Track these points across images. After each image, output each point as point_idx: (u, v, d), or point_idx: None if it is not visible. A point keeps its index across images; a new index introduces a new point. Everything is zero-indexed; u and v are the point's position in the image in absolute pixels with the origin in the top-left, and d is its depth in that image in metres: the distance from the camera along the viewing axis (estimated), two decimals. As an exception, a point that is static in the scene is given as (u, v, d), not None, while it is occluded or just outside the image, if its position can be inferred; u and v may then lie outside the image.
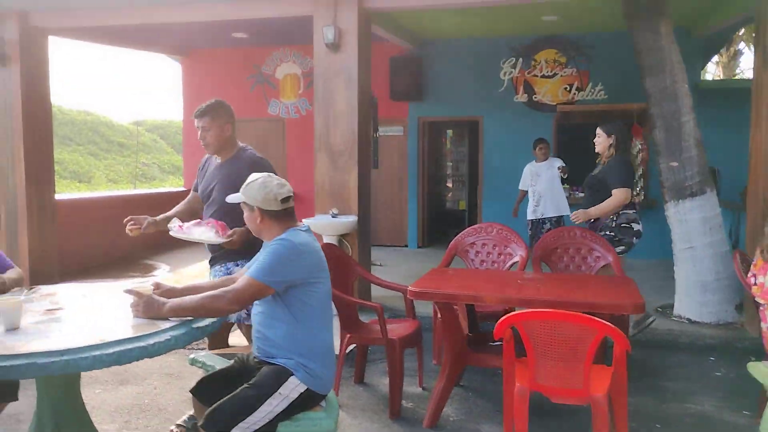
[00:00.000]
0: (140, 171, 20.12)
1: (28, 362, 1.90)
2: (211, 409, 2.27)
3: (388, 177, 9.35)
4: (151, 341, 2.10)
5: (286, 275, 2.33)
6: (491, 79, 8.86)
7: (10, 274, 2.85)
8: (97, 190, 17.09)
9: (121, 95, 41.63)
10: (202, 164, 3.51)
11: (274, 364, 2.39)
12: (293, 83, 9.87)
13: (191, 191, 3.58)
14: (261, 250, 2.57)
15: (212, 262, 3.38)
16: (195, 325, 2.29)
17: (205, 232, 3.05)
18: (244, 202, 2.45)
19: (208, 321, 2.35)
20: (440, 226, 10.24)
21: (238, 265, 3.21)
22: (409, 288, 3.20)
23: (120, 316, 2.37)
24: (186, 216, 3.39)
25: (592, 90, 8.58)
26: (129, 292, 2.35)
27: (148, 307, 2.28)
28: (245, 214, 2.49)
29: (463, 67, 8.95)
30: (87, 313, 2.44)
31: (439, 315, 4.13)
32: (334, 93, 5.52)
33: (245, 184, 2.47)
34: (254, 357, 2.53)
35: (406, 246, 9.50)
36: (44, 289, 2.85)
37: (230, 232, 3.06)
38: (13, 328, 2.16)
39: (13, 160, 6.46)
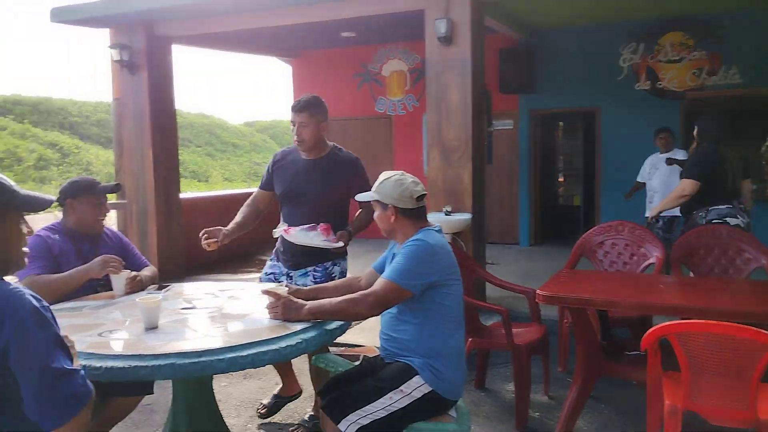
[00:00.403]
0: (252, 170, 20.97)
1: (167, 362, 1.92)
2: (332, 394, 2.29)
3: (498, 172, 9.06)
4: (283, 344, 2.07)
5: (425, 277, 2.24)
6: (609, 67, 8.33)
7: (146, 272, 2.96)
8: (215, 188, 18.00)
9: (234, 98, 43.79)
10: (274, 161, 3.29)
11: (400, 362, 2.32)
12: (400, 80, 9.82)
13: (258, 190, 3.35)
14: (388, 249, 2.50)
15: (295, 264, 3.18)
16: (326, 327, 2.25)
17: (316, 236, 2.98)
18: (377, 200, 2.38)
19: (337, 324, 2.30)
20: (553, 222, 9.80)
21: (336, 265, 3.21)
22: (538, 291, 3.00)
23: (250, 315, 2.37)
24: (251, 218, 3.28)
25: (725, 74, 7.83)
26: (266, 293, 2.35)
27: (286, 310, 2.26)
28: (377, 213, 2.42)
29: (577, 55, 8.49)
30: (218, 312, 2.47)
31: (567, 320, 3.90)
32: (447, 88, 5.38)
33: (379, 181, 2.40)
34: (381, 358, 2.46)
35: (517, 244, 9.17)
36: (175, 287, 2.93)
37: (339, 235, 3.01)
38: (152, 327, 2.21)
39: (143, 163, 6.86)
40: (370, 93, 10.00)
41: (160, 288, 2.87)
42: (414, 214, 2.36)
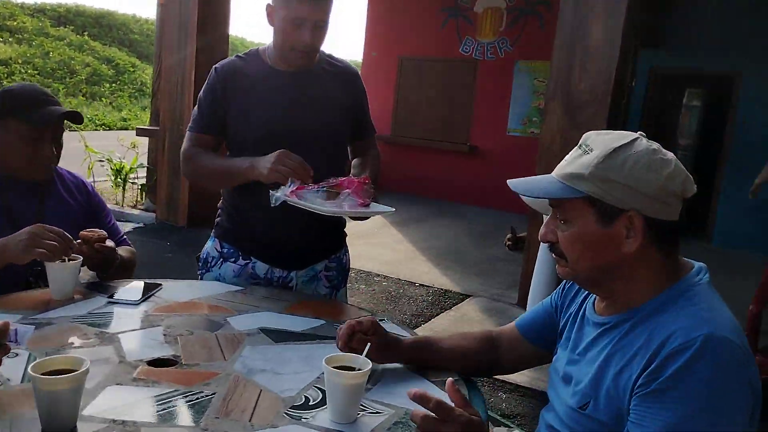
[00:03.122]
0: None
1: None
2: None
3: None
4: None
5: None
6: (761, 24, 6.60)
7: (120, 252, 1.77)
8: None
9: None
10: (221, 81, 1.79)
11: None
12: (494, 19, 8.26)
13: (193, 135, 1.82)
14: (557, 296, 1.24)
15: (293, 261, 1.84)
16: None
17: (347, 200, 1.60)
18: (592, 197, 1.04)
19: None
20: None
21: (347, 251, 2.01)
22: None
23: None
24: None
25: None
26: (417, 397, 0.97)
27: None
28: (578, 229, 1.06)
29: (722, 5, 6.75)
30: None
31: None
32: (587, 21, 3.92)
33: (601, 152, 1.03)
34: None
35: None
36: (169, 287, 1.74)
37: (366, 191, 1.63)
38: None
39: (182, 85, 5.67)
40: (456, 32, 8.49)
41: (148, 288, 1.67)
42: (672, 240, 1.06)
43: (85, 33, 20.05)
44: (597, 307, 1.14)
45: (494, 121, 8.25)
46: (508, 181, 1.14)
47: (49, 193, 1.77)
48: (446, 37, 8.54)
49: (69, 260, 1.53)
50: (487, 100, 8.33)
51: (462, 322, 4.00)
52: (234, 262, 1.84)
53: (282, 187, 1.59)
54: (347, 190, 1.58)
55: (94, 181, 7.05)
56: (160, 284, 1.71)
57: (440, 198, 8.52)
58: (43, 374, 0.95)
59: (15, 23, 18.03)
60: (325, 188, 1.59)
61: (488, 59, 8.34)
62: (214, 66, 1.83)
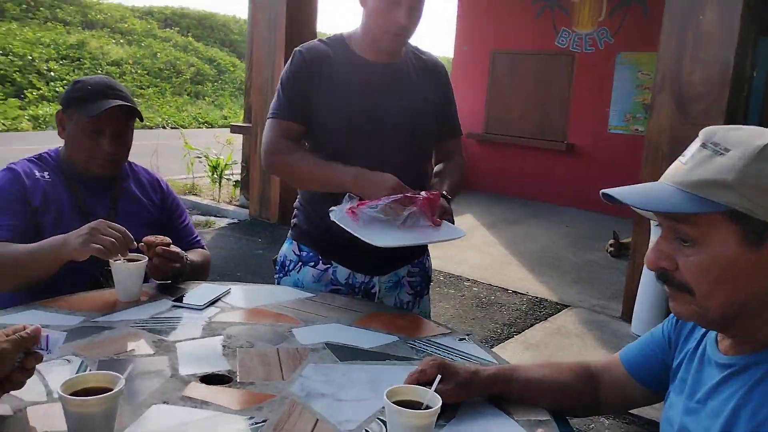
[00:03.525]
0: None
1: None
2: None
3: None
4: None
5: None
6: None
7: (192, 256, 1.71)
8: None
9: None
10: (307, 65, 1.65)
11: None
12: (593, 8, 7.77)
13: (276, 122, 1.68)
14: (668, 325, 1.03)
15: (375, 266, 1.69)
16: None
17: (418, 224, 1.46)
18: (737, 210, 0.81)
19: None
20: None
21: (428, 255, 1.84)
22: None
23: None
24: None
25: None
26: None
27: None
28: (714, 253, 0.84)
29: None
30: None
31: None
32: (699, 5, 3.53)
33: (750, 154, 0.81)
34: None
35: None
36: (236, 291, 1.66)
37: (441, 208, 1.51)
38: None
39: (273, 81, 5.73)
40: (552, 23, 8.08)
41: (215, 292, 1.60)
42: None
43: (189, 34, 21.04)
44: (721, 343, 0.92)
45: (594, 117, 7.78)
46: (609, 191, 0.92)
47: (122, 190, 1.74)
48: (541, 29, 8.14)
49: (135, 260, 1.47)
50: (585, 95, 7.87)
51: (559, 336, 3.72)
52: (314, 266, 1.72)
53: (344, 199, 1.48)
54: (414, 208, 1.43)
55: (193, 177, 7.32)
56: (229, 288, 1.63)
57: (535, 199, 8.16)
58: (74, 393, 0.86)
59: (126, 26, 19.20)
60: (388, 203, 1.43)
61: (587, 51, 7.87)
62: (297, 49, 1.70)
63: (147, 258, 1.50)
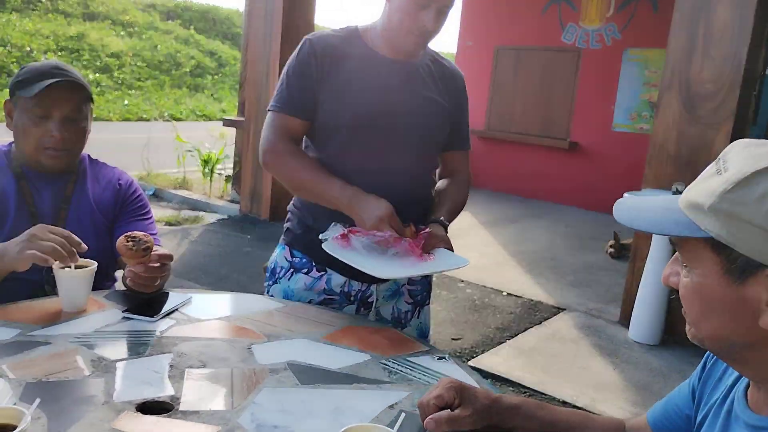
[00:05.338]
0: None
1: None
2: None
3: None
4: None
5: None
6: None
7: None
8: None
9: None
10: (317, 55, 1.52)
11: None
12: (600, 3, 7.60)
13: (277, 116, 1.55)
14: (699, 375, 0.89)
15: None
16: None
17: (404, 259, 1.39)
18: (717, 240, 0.68)
19: None
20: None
21: (414, 284, 1.69)
22: None
23: None
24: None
25: None
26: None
27: None
28: (699, 280, 0.72)
29: None
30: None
31: None
32: (710, 0, 3.37)
33: (736, 178, 0.66)
34: None
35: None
36: (198, 299, 1.52)
37: (429, 238, 1.46)
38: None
39: (267, 74, 5.57)
40: (558, 18, 7.91)
41: (173, 302, 1.45)
42: None
43: (192, 27, 20.87)
44: (751, 398, 0.76)
45: (598, 115, 7.62)
46: (616, 205, 0.80)
47: (77, 189, 1.59)
48: (547, 25, 7.97)
49: (83, 267, 1.33)
50: (590, 92, 7.70)
51: (553, 341, 3.57)
52: (306, 273, 1.58)
53: (332, 225, 1.41)
54: (397, 249, 1.38)
55: (184, 171, 7.17)
56: (190, 296, 1.49)
57: (536, 197, 8.00)
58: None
59: (127, 18, 19.04)
60: (373, 242, 1.38)
61: (593, 48, 7.70)
62: (307, 37, 1.56)
63: (95, 264, 1.36)
